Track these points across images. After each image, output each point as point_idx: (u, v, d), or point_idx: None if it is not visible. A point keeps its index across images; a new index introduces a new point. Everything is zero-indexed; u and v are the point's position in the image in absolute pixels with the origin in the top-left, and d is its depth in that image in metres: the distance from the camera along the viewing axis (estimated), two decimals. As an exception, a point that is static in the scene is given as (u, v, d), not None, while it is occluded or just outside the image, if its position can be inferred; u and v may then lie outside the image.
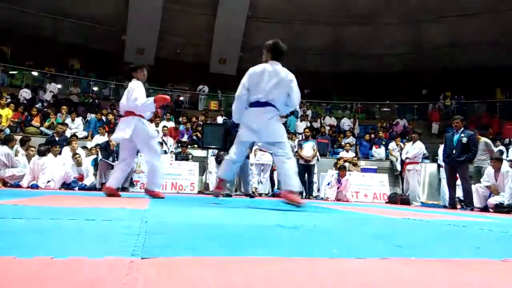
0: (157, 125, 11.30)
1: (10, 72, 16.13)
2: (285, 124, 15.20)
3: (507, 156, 11.09)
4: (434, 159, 10.84)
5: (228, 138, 7.34)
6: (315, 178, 10.20)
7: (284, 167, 4.02)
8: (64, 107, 12.11)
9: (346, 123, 16.38)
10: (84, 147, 9.24)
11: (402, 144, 11.54)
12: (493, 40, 17.70)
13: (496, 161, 7.13)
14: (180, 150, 10.40)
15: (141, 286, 0.87)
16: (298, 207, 3.92)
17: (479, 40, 17.96)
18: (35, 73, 16.46)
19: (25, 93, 13.74)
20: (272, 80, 4.12)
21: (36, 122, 11.19)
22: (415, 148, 8.62)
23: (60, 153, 8.18)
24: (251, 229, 2.26)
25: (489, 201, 6.95)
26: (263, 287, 0.91)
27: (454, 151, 7.14)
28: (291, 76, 4.24)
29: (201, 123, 12.75)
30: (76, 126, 11.18)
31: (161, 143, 9.99)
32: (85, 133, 11.46)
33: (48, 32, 18.35)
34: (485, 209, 6.96)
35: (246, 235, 1.92)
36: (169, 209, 3.60)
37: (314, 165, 9.67)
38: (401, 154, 10.57)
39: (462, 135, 7.15)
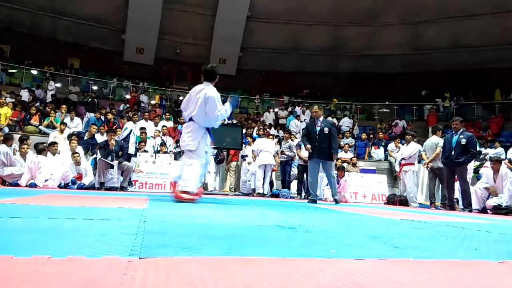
0: (156, 124, 11.29)
1: (9, 71, 16.09)
2: (284, 124, 15.17)
3: (506, 157, 11.08)
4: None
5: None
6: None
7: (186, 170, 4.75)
8: (64, 106, 12.10)
9: (345, 123, 16.37)
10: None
11: (401, 145, 11.54)
12: (492, 42, 17.74)
13: (495, 162, 7.13)
14: (179, 150, 10.39)
15: (138, 285, 0.87)
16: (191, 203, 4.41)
17: (478, 41, 17.99)
18: (34, 72, 16.44)
19: (25, 93, 13.73)
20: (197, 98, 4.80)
21: (35, 121, 11.16)
22: (410, 148, 8.65)
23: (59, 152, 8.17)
24: (249, 229, 2.26)
25: (487, 202, 6.95)
26: (261, 287, 0.92)
27: (453, 153, 7.14)
28: (209, 93, 4.74)
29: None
30: (75, 125, 11.14)
31: (163, 143, 9.99)
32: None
33: (47, 30, 18.33)
34: (483, 210, 6.96)
35: (245, 235, 1.92)
36: (167, 209, 3.60)
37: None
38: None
39: (461, 136, 7.15)
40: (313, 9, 19.00)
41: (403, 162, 8.71)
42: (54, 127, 10.81)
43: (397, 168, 10.66)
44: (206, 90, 4.77)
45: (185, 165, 4.78)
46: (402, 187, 8.89)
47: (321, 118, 7.19)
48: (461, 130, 7.30)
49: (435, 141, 8.48)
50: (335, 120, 16.53)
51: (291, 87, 19.51)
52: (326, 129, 6.90)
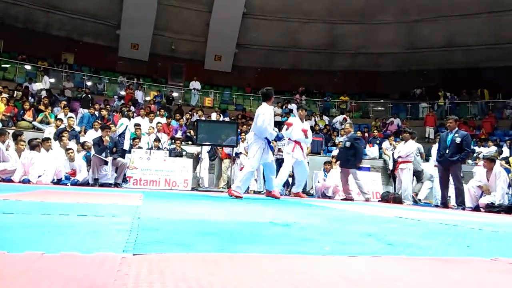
0: (151, 121, 11.26)
1: (3, 66, 15.94)
2: (282, 122, 15.04)
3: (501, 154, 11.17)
4: (427, 159, 10.88)
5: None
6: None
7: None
8: (64, 101, 12.12)
9: (339, 121, 16.37)
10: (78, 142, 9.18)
11: (395, 143, 11.58)
12: (486, 41, 17.85)
13: (488, 161, 7.18)
14: (174, 146, 10.36)
15: (131, 282, 0.87)
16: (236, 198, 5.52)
17: (473, 40, 18.10)
18: (28, 67, 16.30)
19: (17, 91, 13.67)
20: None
21: (28, 116, 11.08)
22: (408, 147, 8.68)
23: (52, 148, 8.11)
24: (243, 226, 2.26)
25: (480, 201, 6.99)
26: (255, 284, 0.92)
27: (447, 151, 7.17)
28: (258, 111, 6.00)
29: (195, 119, 12.73)
30: (69, 121, 11.07)
31: (156, 139, 9.95)
32: (78, 128, 11.36)
33: (41, 25, 18.15)
34: (476, 208, 7.01)
35: (239, 232, 1.93)
36: (162, 206, 3.60)
37: (308, 162, 9.68)
38: (393, 153, 10.60)
39: (456, 135, 7.17)
40: (309, 7, 19.00)
41: (399, 160, 8.75)
42: (48, 123, 10.73)
43: (391, 166, 10.71)
44: (259, 108, 6.02)
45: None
46: (399, 185, 8.94)
47: (349, 134, 8.51)
48: (456, 128, 7.33)
49: (417, 145, 9.21)
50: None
51: (286, 85, 19.50)
52: (348, 143, 8.24)
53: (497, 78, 16.98)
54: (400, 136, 13.23)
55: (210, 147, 9.77)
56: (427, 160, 10.68)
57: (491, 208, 6.63)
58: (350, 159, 8.15)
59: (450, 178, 7.29)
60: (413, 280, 1.05)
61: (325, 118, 16.63)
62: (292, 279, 0.97)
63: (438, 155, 7.49)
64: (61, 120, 10.06)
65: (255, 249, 1.40)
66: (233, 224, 2.30)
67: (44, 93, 14.04)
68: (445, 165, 7.28)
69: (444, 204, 7.30)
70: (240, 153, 9.98)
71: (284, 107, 16.59)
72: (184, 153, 9.94)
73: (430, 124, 16.01)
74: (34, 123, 10.85)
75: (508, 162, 10.09)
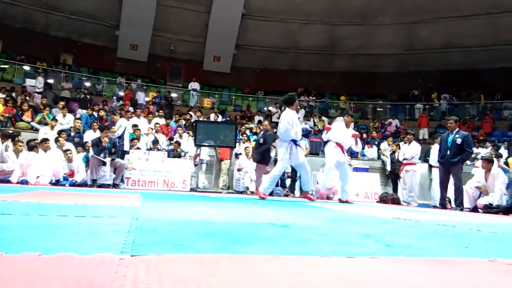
0: (149, 121, 11.24)
1: (1, 66, 15.91)
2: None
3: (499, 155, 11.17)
4: (425, 159, 10.90)
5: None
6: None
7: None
8: (62, 102, 12.09)
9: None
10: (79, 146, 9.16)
11: (393, 144, 11.57)
12: (485, 42, 17.90)
13: (487, 162, 7.19)
14: (172, 147, 10.35)
15: (129, 283, 0.86)
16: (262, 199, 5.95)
17: (471, 42, 18.14)
18: (26, 68, 16.26)
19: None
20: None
21: (27, 117, 11.05)
22: (412, 149, 8.68)
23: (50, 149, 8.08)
24: (242, 226, 2.26)
25: (478, 201, 7.00)
26: (253, 284, 0.92)
27: (448, 152, 7.15)
28: (282, 116, 6.38)
29: (193, 120, 12.71)
30: (67, 121, 11.04)
31: (155, 141, 9.92)
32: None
33: (40, 26, 18.14)
34: (474, 209, 7.02)
35: (237, 233, 1.93)
36: (160, 206, 3.59)
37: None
38: (391, 154, 10.60)
39: (457, 135, 7.15)
40: (308, 8, 19.03)
41: (405, 162, 8.76)
42: (46, 124, 10.71)
43: (389, 167, 10.72)
44: (283, 113, 6.38)
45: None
46: (402, 186, 8.96)
47: (267, 132, 8.79)
48: (457, 129, 7.32)
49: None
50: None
51: (285, 85, 19.51)
52: (261, 140, 8.60)
53: (495, 79, 17.03)
54: (399, 137, 13.28)
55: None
56: (425, 161, 10.70)
57: (489, 209, 6.64)
58: (265, 154, 8.39)
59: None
60: (411, 281, 1.06)
61: (324, 119, 16.62)
62: (289, 280, 0.97)
63: (440, 156, 7.48)
64: (56, 120, 10.04)
65: (253, 250, 1.40)
66: (231, 225, 2.30)
67: (37, 90, 14.02)
68: (446, 167, 7.27)
69: (443, 205, 7.30)
70: (240, 153, 9.98)
71: (282, 108, 16.56)
72: (182, 154, 9.92)
73: (423, 125, 16.00)
74: (32, 123, 10.83)
75: (506, 163, 10.11)
